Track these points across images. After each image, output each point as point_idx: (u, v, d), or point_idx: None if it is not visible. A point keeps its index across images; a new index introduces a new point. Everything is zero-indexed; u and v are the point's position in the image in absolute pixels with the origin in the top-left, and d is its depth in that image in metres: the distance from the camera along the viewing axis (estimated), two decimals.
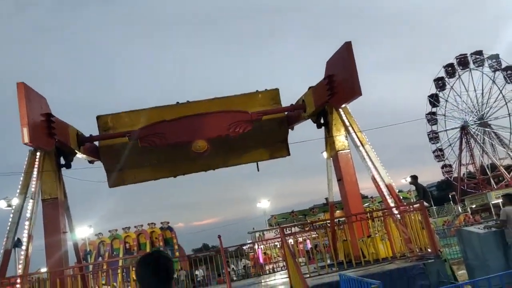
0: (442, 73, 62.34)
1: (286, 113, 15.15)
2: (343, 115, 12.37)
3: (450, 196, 57.27)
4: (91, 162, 14.42)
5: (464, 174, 64.66)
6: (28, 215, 10.63)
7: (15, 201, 11.24)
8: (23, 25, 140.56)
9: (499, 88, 58.42)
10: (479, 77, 60.44)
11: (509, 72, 56.83)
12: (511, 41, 72.20)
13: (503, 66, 57.49)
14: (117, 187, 15.23)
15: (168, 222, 37.55)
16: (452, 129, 63.72)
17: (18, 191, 10.97)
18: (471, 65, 60.52)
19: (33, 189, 10.88)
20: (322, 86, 12.92)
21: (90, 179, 14.79)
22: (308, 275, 9.53)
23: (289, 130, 15.65)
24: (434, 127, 64.00)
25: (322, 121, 13.81)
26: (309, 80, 13.87)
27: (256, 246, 22.28)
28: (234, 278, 18.92)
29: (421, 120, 60.27)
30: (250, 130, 13.29)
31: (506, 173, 59.22)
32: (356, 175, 13.00)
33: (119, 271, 13.30)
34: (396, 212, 10.68)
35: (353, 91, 11.67)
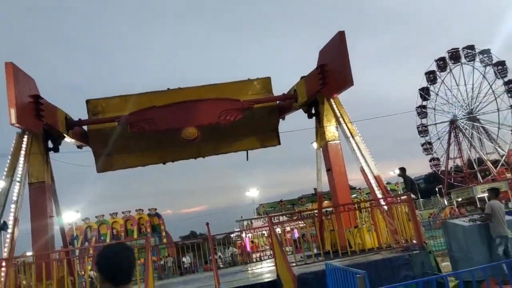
0: (434, 67, 62.66)
1: (277, 102, 15.11)
2: (334, 106, 12.35)
3: (437, 189, 57.95)
4: (79, 147, 14.27)
5: (451, 167, 65.45)
6: (14, 198, 10.52)
7: (1, 184, 11.09)
8: (13, 5, 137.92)
9: (489, 83, 59.01)
10: (470, 71, 60.91)
11: (499, 67, 57.34)
12: (506, 35, 72.57)
13: (494, 61, 57.96)
14: (106, 172, 15.11)
15: (156, 209, 37.53)
16: (441, 122, 64.33)
17: (4, 174, 10.83)
18: (463, 60, 60.92)
19: (20, 172, 10.76)
20: (314, 76, 12.87)
21: (78, 164, 14.69)
22: (294, 264, 9.59)
23: (280, 120, 15.62)
24: (424, 121, 64.53)
25: (313, 111, 13.79)
26: (302, 71, 13.82)
27: (243, 235, 22.37)
28: (221, 266, 19.01)
29: (411, 113, 60.72)
30: (241, 118, 13.25)
31: (493, 168, 60.01)
32: (345, 166, 13.06)
33: None
34: (383, 203, 10.76)
35: (345, 81, 11.62)
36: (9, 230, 10.30)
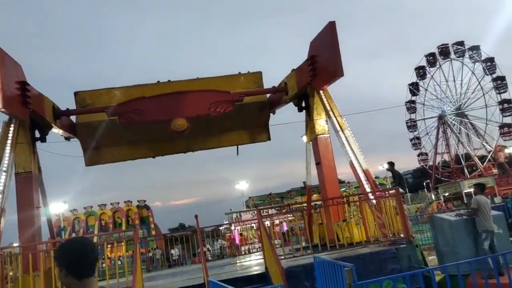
0: (424, 62, 63.00)
1: (268, 96, 15.07)
2: (324, 99, 12.33)
3: (424, 183, 58.52)
4: (67, 139, 14.09)
5: (439, 162, 66.10)
6: (0, 188, 10.37)
7: None
8: None
9: (477, 79, 59.52)
10: (459, 67, 61.36)
11: (488, 63, 57.83)
12: (498, 31, 73.29)
13: (483, 58, 58.42)
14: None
15: (145, 201, 37.41)
16: (430, 118, 64.85)
17: None
18: (452, 55, 61.33)
19: (6, 162, 10.59)
20: (304, 67, 12.76)
21: (66, 154, 14.53)
22: (283, 257, 9.63)
23: (271, 114, 15.58)
24: (413, 116, 64.97)
25: (303, 104, 13.78)
26: (295, 64, 13.74)
27: (232, 227, 22.40)
28: (209, 258, 19.03)
29: (401, 107, 61.10)
30: (231, 113, 13.18)
31: (480, 163, 60.73)
32: (334, 159, 13.10)
33: None
34: (371, 197, 10.82)
35: (335, 72, 11.49)
36: None
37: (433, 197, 52.46)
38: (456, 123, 63.43)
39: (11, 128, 10.86)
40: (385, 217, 9.96)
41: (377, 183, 12.93)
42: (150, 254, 22.55)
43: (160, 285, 10.90)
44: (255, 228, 21.05)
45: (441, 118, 63.65)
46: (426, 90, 63.63)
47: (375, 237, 10.57)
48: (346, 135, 11.82)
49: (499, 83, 57.30)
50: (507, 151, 54.86)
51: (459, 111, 62.31)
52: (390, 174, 16.48)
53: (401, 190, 10.50)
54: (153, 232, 34.19)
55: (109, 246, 13.65)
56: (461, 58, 60.81)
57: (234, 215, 35.31)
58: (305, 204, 16.30)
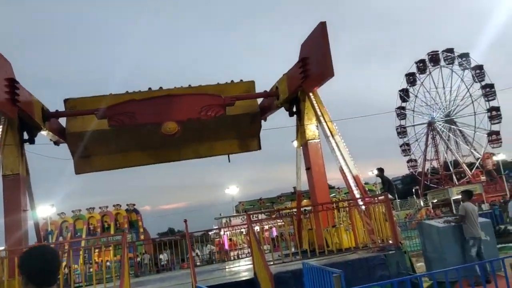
0: (414, 69, 63.57)
1: (260, 102, 15.02)
2: (315, 104, 12.34)
3: (413, 190, 58.87)
4: (56, 143, 13.92)
5: (428, 169, 66.58)
6: None
7: None
8: None
9: (466, 87, 60.16)
10: (448, 74, 62.02)
11: (477, 71, 58.50)
12: (487, 39, 74.33)
13: (472, 65, 59.08)
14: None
15: (134, 204, 37.18)
16: (420, 124, 65.37)
17: None
18: (442, 62, 61.96)
19: None
20: (295, 70, 12.67)
21: (55, 157, 14.38)
22: (272, 263, 9.59)
23: (262, 121, 15.53)
24: (403, 122, 65.40)
25: (294, 109, 13.80)
26: (286, 69, 13.72)
27: (222, 232, 22.31)
28: (198, 263, 18.91)
29: (391, 113, 61.52)
30: (224, 123, 13.32)
31: (468, 170, 61.29)
32: (324, 165, 13.12)
33: (81, 252, 13.06)
34: (361, 203, 10.84)
35: (326, 72, 11.34)
36: None
37: (422, 203, 52.79)
38: (445, 130, 64.03)
39: None
40: (374, 223, 9.98)
41: (367, 189, 12.96)
42: (139, 259, 22.39)
43: None
44: (244, 233, 20.97)
45: (430, 124, 64.21)
46: (416, 96, 64.19)
47: (364, 243, 10.59)
48: (337, 141, 11.85)
49: (488, 90, 57.95)
50: (495, 158, 55.42)
51: (448, 118, 62.93)
52: (379, 180, 16.56)
53: (390, 196, 10.54)
54: (142, 237, 33.96)
55: (96, 250, 13.52)
56: (451, 65, 61.47)
57: (224, 220, 35.17)
58: (295, 210, 16.29)
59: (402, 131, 65.18)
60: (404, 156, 66.33)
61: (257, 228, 17.36)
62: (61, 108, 13.54)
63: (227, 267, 13.73)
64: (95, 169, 15.00)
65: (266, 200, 43.16)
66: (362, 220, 10.66)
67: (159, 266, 19.51)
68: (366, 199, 10.91)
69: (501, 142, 58.32)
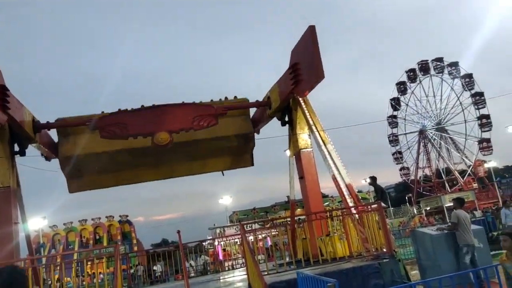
0: (404, 78, 64.13)
1: (252, 115, 14.99)
2: (307, 113, 12.38)
3: (407, 198, 59.03)
4: (47, 159, 13.77)
5: (420, 177, 66.89)
6: None
7: None
8: None
9: (456, 95, 60.80)
10: (438, 83, 62.63)
11: (467, 79, 59.17)
12: (478, 47, 75.32)
13: (461, 74, 59.77)
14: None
15: (127, 216, 36.96)
16: (411, 132, 65.79)
17: None
18: (432, 71, 62.60)
19: None
20: (286, 77, 12.60)
21: (46, 169, 14.24)
22: (266, 273, 9.55)
23: (255, 133, 15.49)
24: (395, 130, 65.75)
25: (286, 118, 13.83)
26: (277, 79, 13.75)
27: (216, 242, 22.18)
28: (192, 274, 18.77)
29: (382, 122, 61.89)
30: (217, 144, 13.50)
31: (460, 178, 61.64)
32: (317, 174, 13.14)
33: (73, 265, 12.90)
34: (354, 212, 10.85)
35: (316, 74, 11.25)
36: None
37: (415, 211, 52.93)
38: (436, 138, 64.49)
39: None
40: (367, 231, 9.99)
41: (360, 197, 12.99)
42: (132, 271, 22.17)
43: None
44: (238, 243, 20.88)
45: (422, 132, 64.65)
46: (407, 105, 64.67)
47: (358, 252, 10.58)
48: (329, 149, 11.88)
49: (478, 98, 58.59)
50: (486, 165, 55.85)
51: (439, 126, 63.41)
52: (372, 188, 16.60)
53: (383, 204, 10.57)
54: (135, 248, 33.68)
55: (89, 262, 13.38)
56: (441, 74, 62.13)
57: (218, 230, 35.02)
58: (289, 219, 16.26)
59: (394, 139, 65.51)
60: (397, 164, 66.63)
61: (251, 238, 17.30)
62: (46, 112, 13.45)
63: (221, 277, 13.64)
64: (88, 188, 15.03)
65: (260, 210, 43.02)
66: (356, 228, 10.67)
67: (153, 278, 19.33)
68: (359, 207, 10.93)
69: (492, 149, 58.89)
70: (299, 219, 15.95)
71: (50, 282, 11.84)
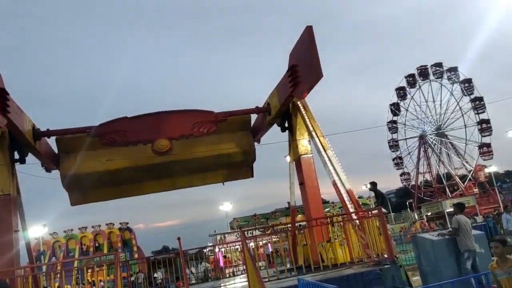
0: (404, 83, 64.25)
1: (252, 124, 14.99)
2: (307, 119, 12.37)
3: (407, 203, 58.91)
4: (48, 170, 13.75)
5: (421, 182, 66.81)
6: None
7: None
8: None
9: (456, 100, 60.89)
10: (438, 88, 62.76)
11: (466, 84, 59.29)
12: (477, 52, 75.62)
13: (461, 79, 59.91)
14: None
15: (127, 223, 36.89)
16: (411, 138, 65.81)
17: None
18: (431, 77, 62.75)
19: None
20: (285, 80, 12.37)
21: (46, 176, 14.23)
22: (267, 279, 9.52)
23: (255, 143, 15.47)
24: (395, 136, 65.77)
25: (286, 124, 13.83)
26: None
27: (216, 249, 22.12)
28: (193, 282, 18.69)
29: (382, 127, 61.95)
30: (218, 160, 13.68)
31: (461, 183, 61.58)
32: (317, 179, 13.13)
33: (73, 272, 12.87)
34: (355, 217, 10.83)
35: (314, 73, 10.92)
36: None
37: (416, 216, 52.80)
38: (436, 143, 64.49)
39: None
40: (368, 237, 9.97)
41: (361, 203, 12.95)
42: (133, 278, 22.10)
43: None
44: (239, 250, 20.81)
45: (422, 138, 64.65)
46: (407, 110, 64.74)
47: (359, 258, 10.55)
48: (329, 155, 11.88)
49: (477, 103, 58.68)
50: (487, 170, 55.79)
51: (439, 131, 63.45)
52: (373, 194, 16.58)
53: (384, 210, 10.55)
54: (136, 255, 33.58)
55: (89, 270, 13.33)
56: (440, 79, 62.26)
57: (218, 237, 34.90)
58: (289, 225, 16.22)
59: (394, 145, 65.50)
60: (397, 169, 66.59)
61: (252, 244, 17.25)
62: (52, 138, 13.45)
63: (222, 284, 13.59)
64: (90, 201, 15.10)
65: (260, 216, 42.91)
66: (357, 234, 10.64)
67: (154, 285, 19.29)
68: (360, 213, 10.91)
69: (492, 154, 58.87)
70: (300, 225, 15.93)
71: None
